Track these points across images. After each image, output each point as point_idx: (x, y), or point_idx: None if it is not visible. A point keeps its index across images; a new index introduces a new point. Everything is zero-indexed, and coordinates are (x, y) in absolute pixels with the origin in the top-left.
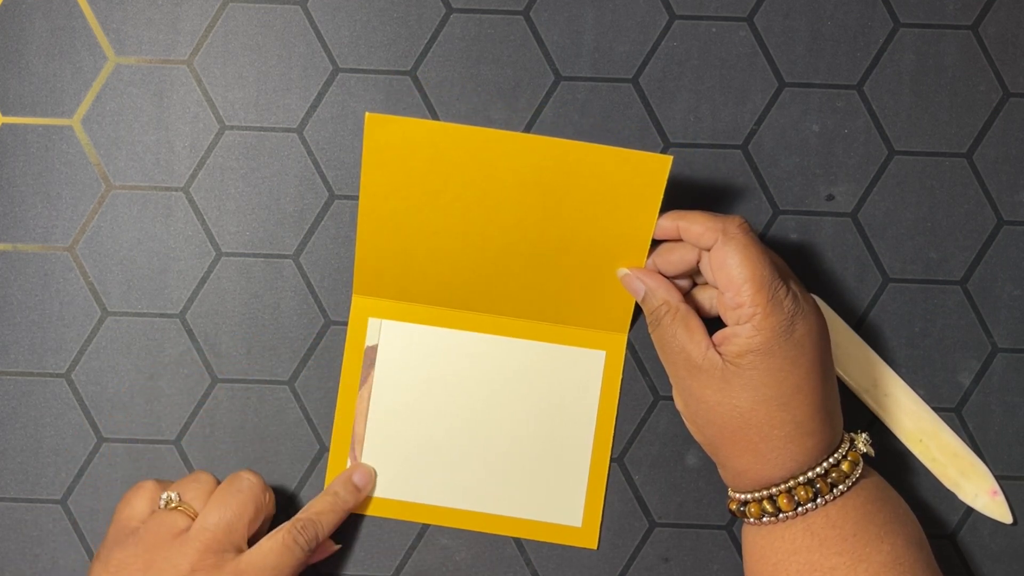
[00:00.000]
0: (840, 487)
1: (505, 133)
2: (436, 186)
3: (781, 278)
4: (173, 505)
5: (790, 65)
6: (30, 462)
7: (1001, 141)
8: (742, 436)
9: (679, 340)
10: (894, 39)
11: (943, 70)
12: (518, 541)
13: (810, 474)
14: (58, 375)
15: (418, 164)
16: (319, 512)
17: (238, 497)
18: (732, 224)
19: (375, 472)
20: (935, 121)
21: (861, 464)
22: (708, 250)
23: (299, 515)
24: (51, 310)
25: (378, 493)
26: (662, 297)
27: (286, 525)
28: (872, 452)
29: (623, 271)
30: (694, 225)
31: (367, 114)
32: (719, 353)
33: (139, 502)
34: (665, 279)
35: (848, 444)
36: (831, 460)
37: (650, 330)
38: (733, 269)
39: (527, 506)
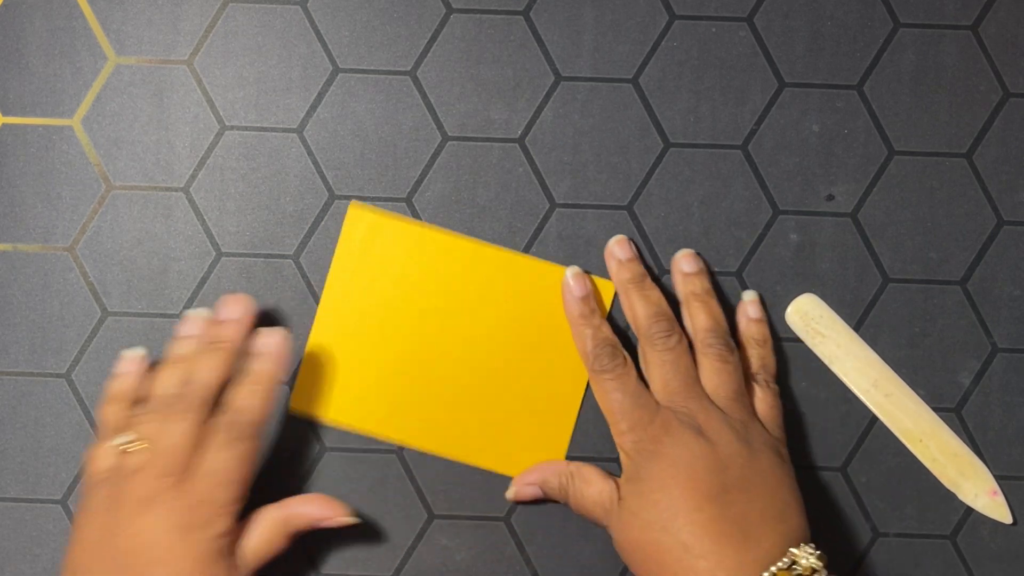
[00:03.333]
0: None
1: (474, 244)
2: (399, 290)
3: (652, 407)
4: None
5: (790, 65)
6: (30, 462)
7: (1001, 141)
8: (655, 565)
9: (587, 500)
10: (894, 39)
11: (943, 70)
12: (519, 541)
13: None
14: (58, 375)
15: (386, 265)
16: (241, 402)
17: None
18: (596, 363)
19: (286, 333)
20: (935, 121)
21: None
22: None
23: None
24: (51, 310)
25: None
26: (553, 479)
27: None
28: (820, 564)
29: (511, 490)
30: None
31: (352, 203)
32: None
33: None
34: (540, 467)
35: (785, 563)
36: None
37: (573, 509)
38: (600, 402)
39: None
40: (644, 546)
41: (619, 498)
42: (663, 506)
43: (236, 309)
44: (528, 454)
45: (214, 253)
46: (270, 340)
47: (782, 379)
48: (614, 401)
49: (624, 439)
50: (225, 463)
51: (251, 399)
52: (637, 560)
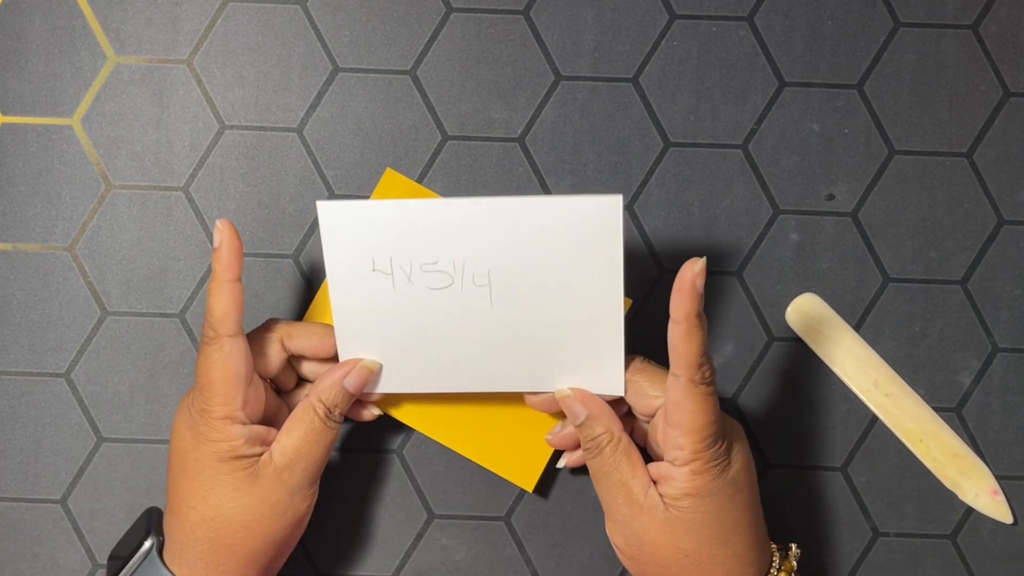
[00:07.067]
0: None
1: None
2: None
3: (721, 429)
4: None
5: (790, 65)
6: (30, 462)
7: (1001, 141)
8: (686, 574)
9: (621, 474)
10: (894, 39)
11: (943, 70)
12: (518, 541)
13: None
14: (58, 375)
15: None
16: (206, 304)
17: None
18: (703, 372)
19: (228, 225)
20: (935, 121)
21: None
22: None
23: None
24: (51, 310)
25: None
26: (605, 425)
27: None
28: (795, 564)
29: (563, 391)
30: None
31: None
32: (659, 493)
33: None
34: (607, 405)
35: (779, 557)
36: None
37: (587, 458)
38: (688, 414)
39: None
40: (694, 557)
41: (664, 505)
42: (730, 520)
43: (216, 238)
44: (522, 456)
45: None
46: (216, 236)
47: (783, 379)
48: (712, 412)
49: (706, 453)
50: (199, 368)
51: (208, 299)
52: (673, 568)
